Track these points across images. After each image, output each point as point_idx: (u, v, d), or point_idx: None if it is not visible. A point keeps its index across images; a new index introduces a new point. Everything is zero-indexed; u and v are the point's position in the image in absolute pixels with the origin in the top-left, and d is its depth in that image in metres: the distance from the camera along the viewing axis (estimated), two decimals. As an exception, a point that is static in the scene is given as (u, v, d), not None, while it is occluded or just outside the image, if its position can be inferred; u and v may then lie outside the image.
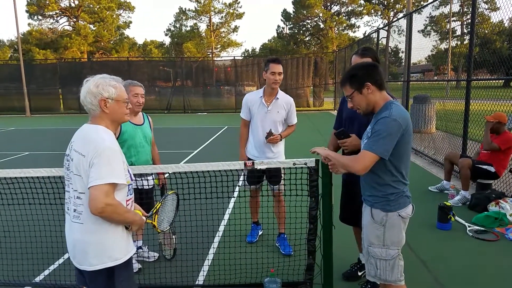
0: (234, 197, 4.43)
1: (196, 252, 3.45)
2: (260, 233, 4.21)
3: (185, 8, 44.52)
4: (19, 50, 22.26)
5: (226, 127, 14.54)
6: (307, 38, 44.51)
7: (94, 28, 39.12)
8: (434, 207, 4.53)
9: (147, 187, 3.39)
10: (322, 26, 41.43)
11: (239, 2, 42.21)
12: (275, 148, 3.80)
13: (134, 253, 3.51)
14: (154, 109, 21.11)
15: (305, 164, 2.86)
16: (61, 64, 26.21)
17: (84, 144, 1.87)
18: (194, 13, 42.18)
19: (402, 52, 10.35)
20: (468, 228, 4.29)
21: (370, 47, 3.06)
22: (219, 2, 43.48)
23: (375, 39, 12.60)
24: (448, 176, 5.73)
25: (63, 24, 40.30)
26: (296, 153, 4.45)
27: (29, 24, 51.37)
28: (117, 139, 3.23)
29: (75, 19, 39.15)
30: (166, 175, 3.70)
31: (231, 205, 5.01)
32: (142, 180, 3.34)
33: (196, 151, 9.54)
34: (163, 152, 9.07)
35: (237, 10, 41.73)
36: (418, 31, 10.15)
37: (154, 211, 2.18)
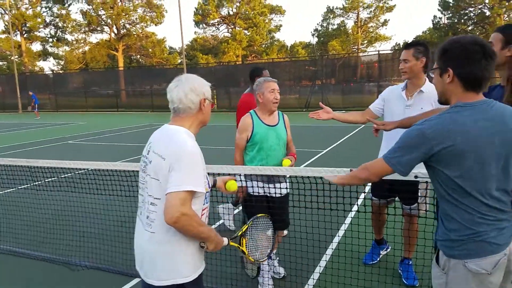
0: (351, 211, 3.73)
1: (301, 268, 2.99)
2: (383, 253, 3.60)
3: (332, 7, 44.09)
4: (182, 56, 25.79)
5: (363, 126, 13.63)
6: (470, 28, 38.39)
7: (248, 33, 42.28)
8: None
9: (275, 194, 2.98)
10: (488, 13, 35.13)
11: (390, -6, 39.39)
12: None
13: None
14: (293, 108, 21.47)
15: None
16: (217, 67, 29.15)
17: (165, 146, 1.73)
18: (341, 11, 41.33)
19: None
20: None
21: None
22: (368, -3, 41.48)
23: None
24: None
25: (223, 31, 44.89)
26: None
27: (195, 32, 59.30)
28: (248, 141, 3.05)
29: (232, 26, 43.11)
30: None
31: (348, 220, 4.24)
32: (269, 187, 2.99)
33: (324, 151, 9.13)
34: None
35: (387, 3, 39.01)
36: None
37: (240, 233, 1.89)
